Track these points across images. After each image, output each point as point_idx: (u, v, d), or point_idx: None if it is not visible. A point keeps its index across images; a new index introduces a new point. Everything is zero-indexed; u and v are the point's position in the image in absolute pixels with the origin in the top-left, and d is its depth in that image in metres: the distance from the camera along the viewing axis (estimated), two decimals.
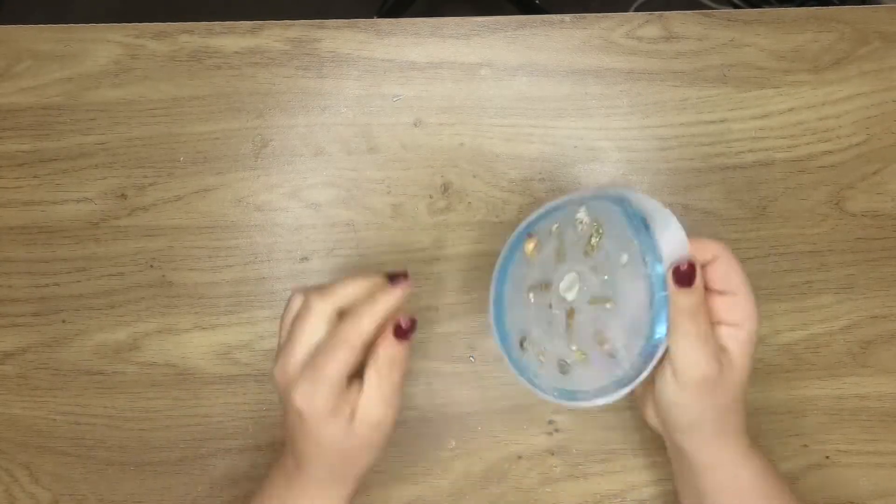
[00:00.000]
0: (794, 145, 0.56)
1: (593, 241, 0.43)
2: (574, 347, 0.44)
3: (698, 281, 0.39)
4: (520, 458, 0.52)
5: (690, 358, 0.40)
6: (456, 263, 0.54)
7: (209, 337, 0.54)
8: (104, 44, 0.57)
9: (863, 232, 0.55)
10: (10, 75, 0.56)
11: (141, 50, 0.57)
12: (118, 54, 0.56)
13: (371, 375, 0.39)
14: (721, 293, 0.41)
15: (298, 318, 0.40)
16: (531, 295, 0.43)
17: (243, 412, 0.53)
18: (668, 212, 0.40)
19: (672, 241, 0.40)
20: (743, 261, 0.54)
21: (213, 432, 0.53)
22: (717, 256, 0.41)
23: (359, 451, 0.41)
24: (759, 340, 0.53)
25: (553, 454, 0.52)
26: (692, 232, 0.54)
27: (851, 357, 0.53)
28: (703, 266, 0.41)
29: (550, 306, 0.44)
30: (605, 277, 0.43)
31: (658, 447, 0.52)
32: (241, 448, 0.53)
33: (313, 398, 0.38)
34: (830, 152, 0.56)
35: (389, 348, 0.39)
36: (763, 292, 0.54)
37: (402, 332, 0.39)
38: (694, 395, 0.40)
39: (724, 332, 0.41)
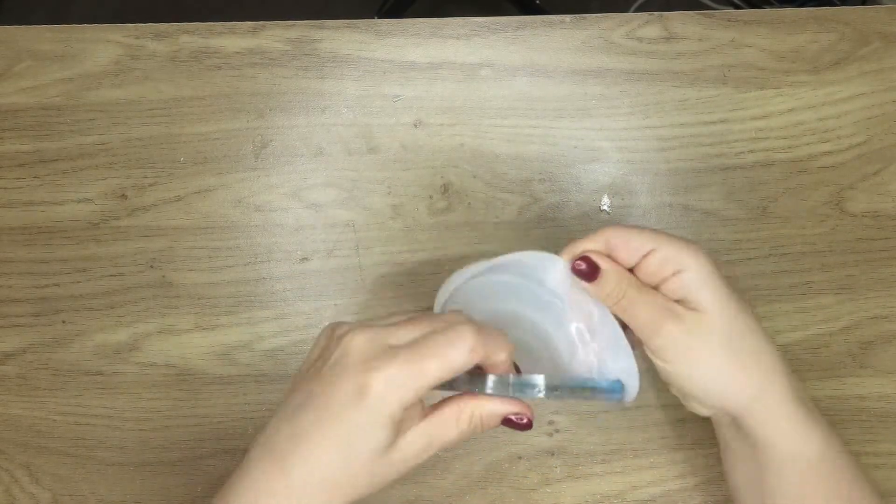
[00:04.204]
0: (794, 146, 0.56)
1: None
2: None
3: (605, 265, 0.38)
4: (520, 458, 0.52)
5: (654, 336, 0.37)
6: (456, 264, 0.54)
7: (209, 337, 0.54)
8: (104, 44, 0.57)
9: (863, 232, 0.55)
10: (10, 75, 0.56)
11: (141, 50, 0.57)
12: (118, 54, 0.56)
13: (453, 412, 0.35)
14: (644, 260, 0.38)
15: (441, 329, 0.34)
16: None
17: (243, 413, 0.53)
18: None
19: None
20: (743, 261, 0.54)
21: (212, 433, 0.53)
22: (608, 239, 0.38)
23: (377, 476, 0.35)
24: None
25: (553, 454, 0.52)
26: (694, 232, 0.55)
27: (851, 357, 0.53)
28: (613, 252, 0.39)
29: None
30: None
31: (658, 447, 0.52)
32: (240, 449, 0.53)
33: (391, 383, 0.32)
34: (831, 153, 0.55)
35: (489, 418, 0.36)
36: (763, 292, 0.54)
37: (513, 424, 0.36)
38: (690, 361, 0.37)
39: (671, 291, 0.37)
